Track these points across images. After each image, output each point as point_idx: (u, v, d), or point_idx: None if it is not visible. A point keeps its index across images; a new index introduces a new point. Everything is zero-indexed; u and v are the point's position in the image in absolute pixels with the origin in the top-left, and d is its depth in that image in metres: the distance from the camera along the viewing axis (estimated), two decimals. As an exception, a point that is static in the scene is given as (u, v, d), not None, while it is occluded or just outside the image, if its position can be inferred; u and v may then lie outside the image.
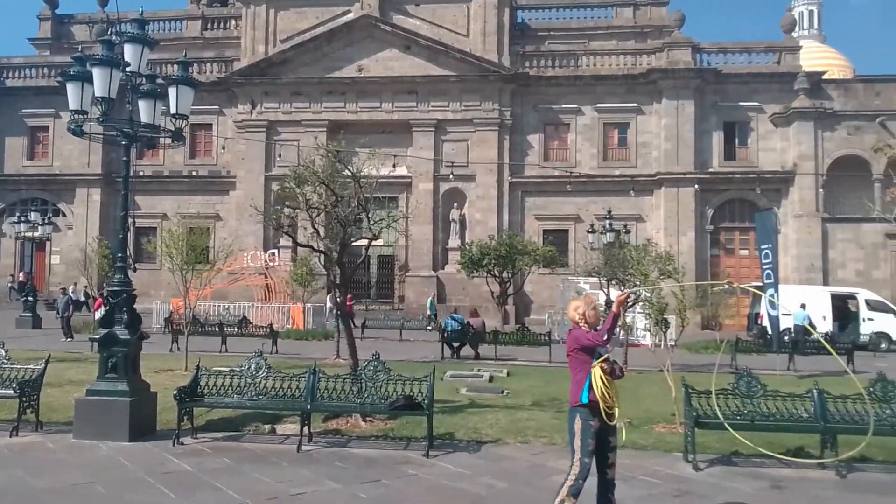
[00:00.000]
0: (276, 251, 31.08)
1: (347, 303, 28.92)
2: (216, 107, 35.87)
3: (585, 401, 4.90)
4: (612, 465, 5.15)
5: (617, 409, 4.88)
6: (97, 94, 7.73)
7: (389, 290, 35.19)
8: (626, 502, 6.25)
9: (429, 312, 29.59)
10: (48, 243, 35.32)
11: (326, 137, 32.25)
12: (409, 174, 34.37)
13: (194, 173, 36.81)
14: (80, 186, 36.86)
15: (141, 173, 35.82)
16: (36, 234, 29.31)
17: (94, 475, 6.84)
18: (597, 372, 4.79)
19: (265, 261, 28.52)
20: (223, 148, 35.19)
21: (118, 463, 7.31)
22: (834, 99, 33.48)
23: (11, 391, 8.55)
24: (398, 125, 34.66)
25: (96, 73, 7.64)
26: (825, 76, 34.86)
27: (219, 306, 27.82)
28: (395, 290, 35.14)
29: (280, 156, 33.20)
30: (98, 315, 20.77)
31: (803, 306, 22.34)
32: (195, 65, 34.53)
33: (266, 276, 28.62)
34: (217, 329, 19.36)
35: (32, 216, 29.20)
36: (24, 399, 8.56)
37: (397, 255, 34.87)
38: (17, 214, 31.72)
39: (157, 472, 6.96)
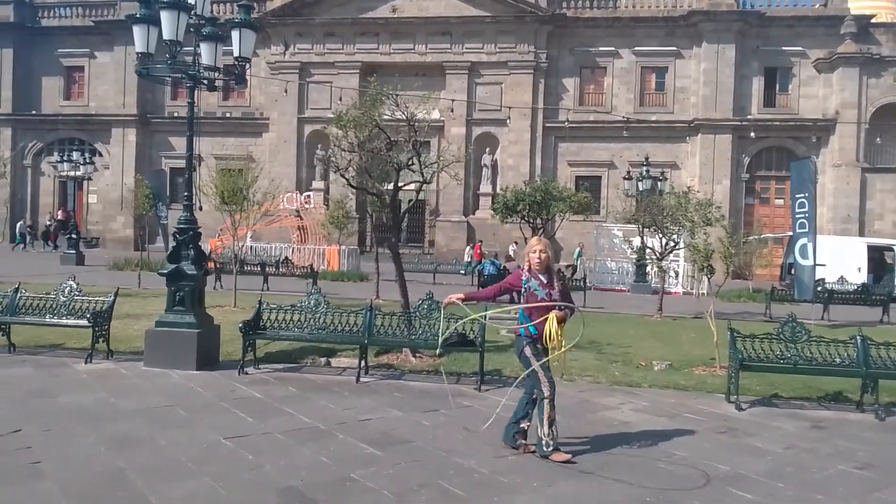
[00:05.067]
0: (310, 193, 31.41)
1: (476, 250, 29.01)
2: (249, 47, 35.75)
3: (534, 331, 5.83)
4: None
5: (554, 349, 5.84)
6: (165, 36, 7.91)
7: (419, 234, 35.56)
8: (675, 437, 6.59)
9: (575, 263, 27.58)
10: (86, 183, 36.09)
11: (359, 80, 32.25)
12: (442, 118, 34.22)
13: (228, 115, 37.06)
14: (116, 127, 37.36)
15: (175, 114, 36.19)
16: (77, 173, 29.90)
17: (172, 399, 7.31)
18: (553, 317, 5.75)
19: (301, 202, 28.88)
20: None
21: (191, 389, 7.79)
22: (882, 44, 32.46)
23: (85, 321, 9.05)
24: (431, 67, 34.35)
25: (164, 16, 7.82)
26: (874, 20, 33.69)
27: (255, 247, 28.39)
28: (425, 235, 35.50)
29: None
30: None
31: None
32: (227, 4, 34.42)
33: (301, 218, 29.02)
34: (259, 268, 19.86)
35: (74, 156, 29.70)
36: (96, 329, 9.06)
37: (427, 199, 35.02)
38: (57, 153, 32.29)
39: (229, 398, 7.41)
